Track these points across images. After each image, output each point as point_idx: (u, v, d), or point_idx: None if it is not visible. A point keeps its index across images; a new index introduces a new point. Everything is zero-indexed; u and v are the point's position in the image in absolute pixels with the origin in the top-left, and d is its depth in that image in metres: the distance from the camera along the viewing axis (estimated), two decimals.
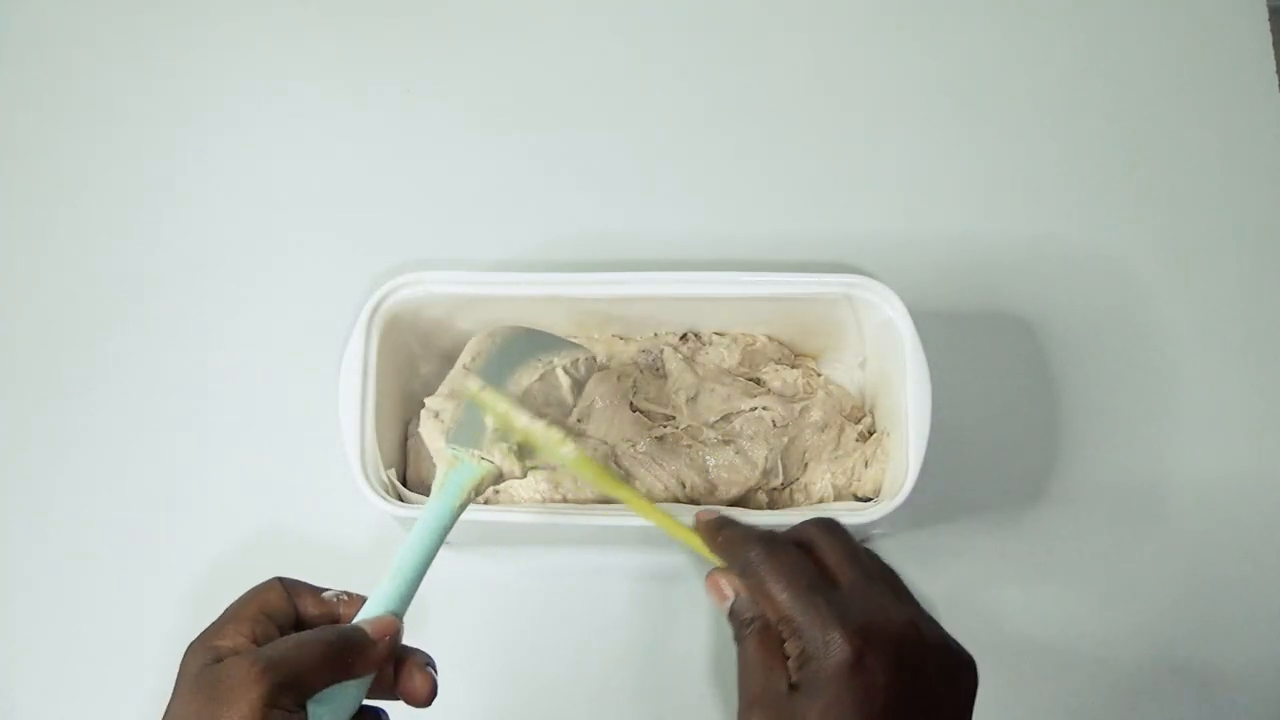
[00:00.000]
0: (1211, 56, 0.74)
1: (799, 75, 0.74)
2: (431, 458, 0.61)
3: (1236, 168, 0.71)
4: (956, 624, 0.62)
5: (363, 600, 0.45)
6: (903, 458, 0.56)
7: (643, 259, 0.68)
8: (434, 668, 0.46)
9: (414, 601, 0.61)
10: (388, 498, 0.56)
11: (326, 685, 0.41)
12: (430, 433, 0.53)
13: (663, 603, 0.62)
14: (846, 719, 0.41)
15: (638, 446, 0.60)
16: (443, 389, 0.55)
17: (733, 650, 0.61)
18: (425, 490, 0.60)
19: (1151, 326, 0.68)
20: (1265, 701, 0.60)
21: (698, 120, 0.73)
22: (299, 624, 0.44)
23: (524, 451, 0.49)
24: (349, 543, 0.63)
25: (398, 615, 0.45)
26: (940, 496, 0.62)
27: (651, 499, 0.59)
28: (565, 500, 0.59)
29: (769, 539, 0.46)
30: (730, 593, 0.46)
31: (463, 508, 0.48)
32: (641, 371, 0.62)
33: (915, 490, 0.55)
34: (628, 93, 0.74)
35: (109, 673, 0.62)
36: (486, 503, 0.59)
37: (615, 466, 0.59)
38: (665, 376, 0.62)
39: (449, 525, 0.47)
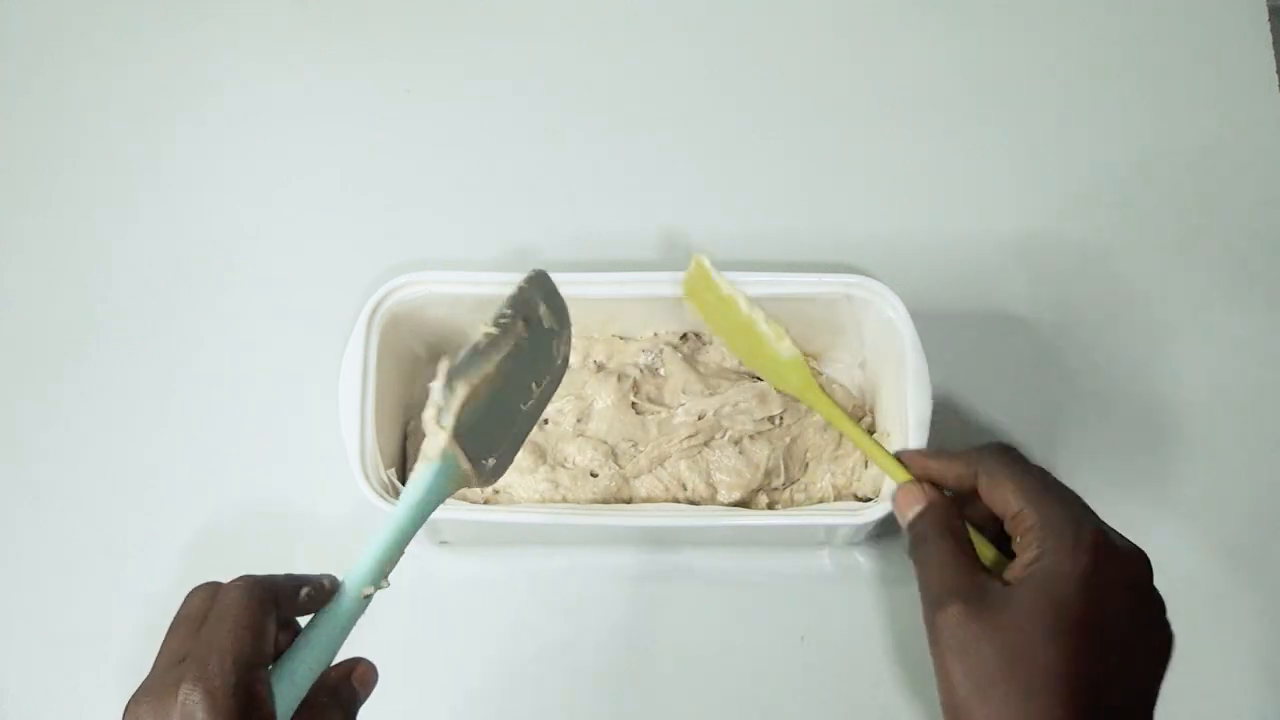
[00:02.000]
0: (1211, 56, 0.74)
1: (799, 76, 0.74)
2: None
3: (1236, 167, 0.71)
4: None
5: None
6: None
7: (643, 259, 0.68)
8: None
9: (409, 599, 0.61)
10: (388, 498, 0.56)
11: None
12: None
13: (662, 603, 0.62)
14: (1065, 622, 0.41)
15: (638, 446, 0.60)
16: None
17: (735, 650, 0.61)
18: None
19: (1151, 326, 0.68)
20: (1268, 694, 0.60)
21: (698, 121, 0.73)
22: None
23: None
24: (349, 544, 0.63)
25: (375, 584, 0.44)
26: None
27: (652, 500, 0.59)
28: (565, 500, 0.59)
29: (999, 446, 0.48)
30: (924, 499, 0.48)
31: (441, 499, 0.47)
32: (641, 371, 0.62)
33: None
34: (628, 94, 0.74)
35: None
36: (486, 502, 0.59)
37: (615, 465, 0.59)
38: (665, 376, 0.62)
39: (431, 510, 0.46)
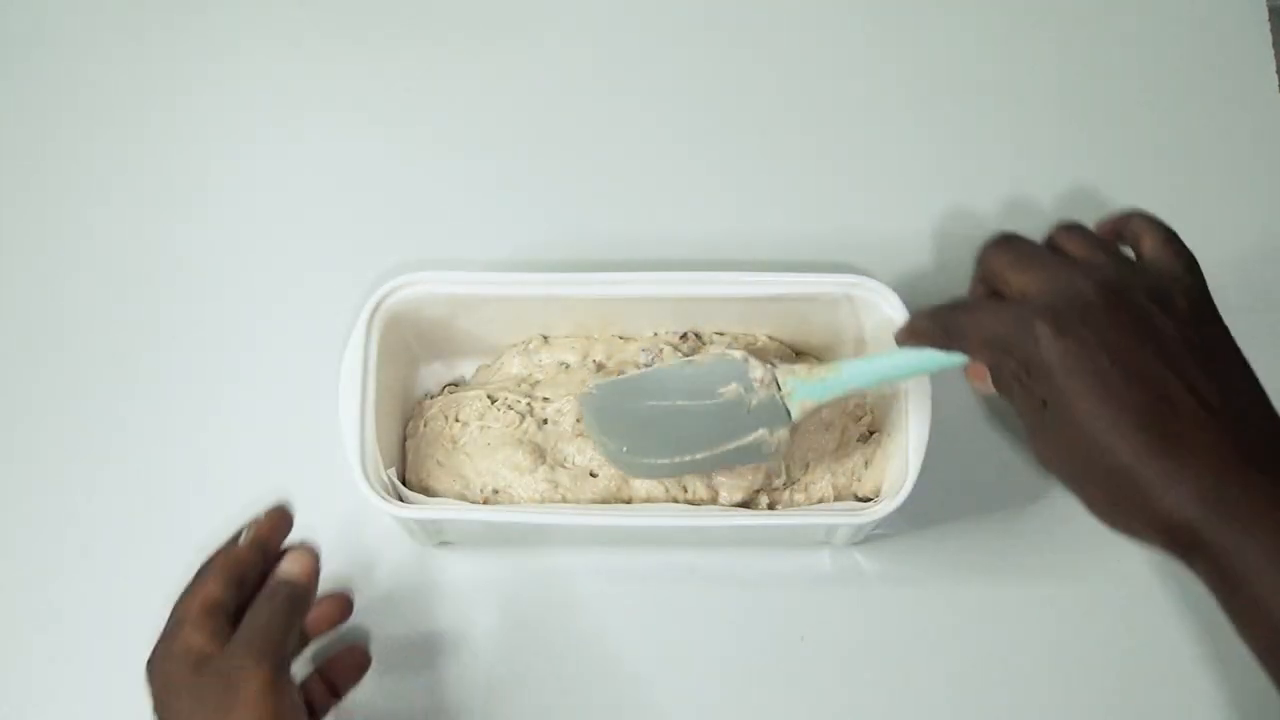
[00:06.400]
0: (1211, 56, 0.74)
1: (799, 75, 0.74)
2: (432, 459, 0.61)
3: (1236, 168, 0.71)
4: (957, 624, 0.62)
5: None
6: (903, 458, 0.56)
7: (643, 259, 0.68)
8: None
9: (409, 599, 0.61)
10: (388, 498, 0.56)
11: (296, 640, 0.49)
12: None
13: (662, 603, 0.62)
14: (1090, 372, 0.43)
15: None
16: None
17: (735, 650, 0.61)
18: (425, 490, 0.60)
19: None
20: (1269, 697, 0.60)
21: (698, 120, 0.73)
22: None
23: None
24: (349, 543, 0.63)
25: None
26: (940, 496, 0.62)
27: (652, 500, 0.59)
28: (565, 500, 0.59)
29: (954, 306, 0.50)
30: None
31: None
32: None
33: (915, 490, 0.55)
34: (628, 93, 0.74)
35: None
36: (486, 502, 0.59)
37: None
38: None
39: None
